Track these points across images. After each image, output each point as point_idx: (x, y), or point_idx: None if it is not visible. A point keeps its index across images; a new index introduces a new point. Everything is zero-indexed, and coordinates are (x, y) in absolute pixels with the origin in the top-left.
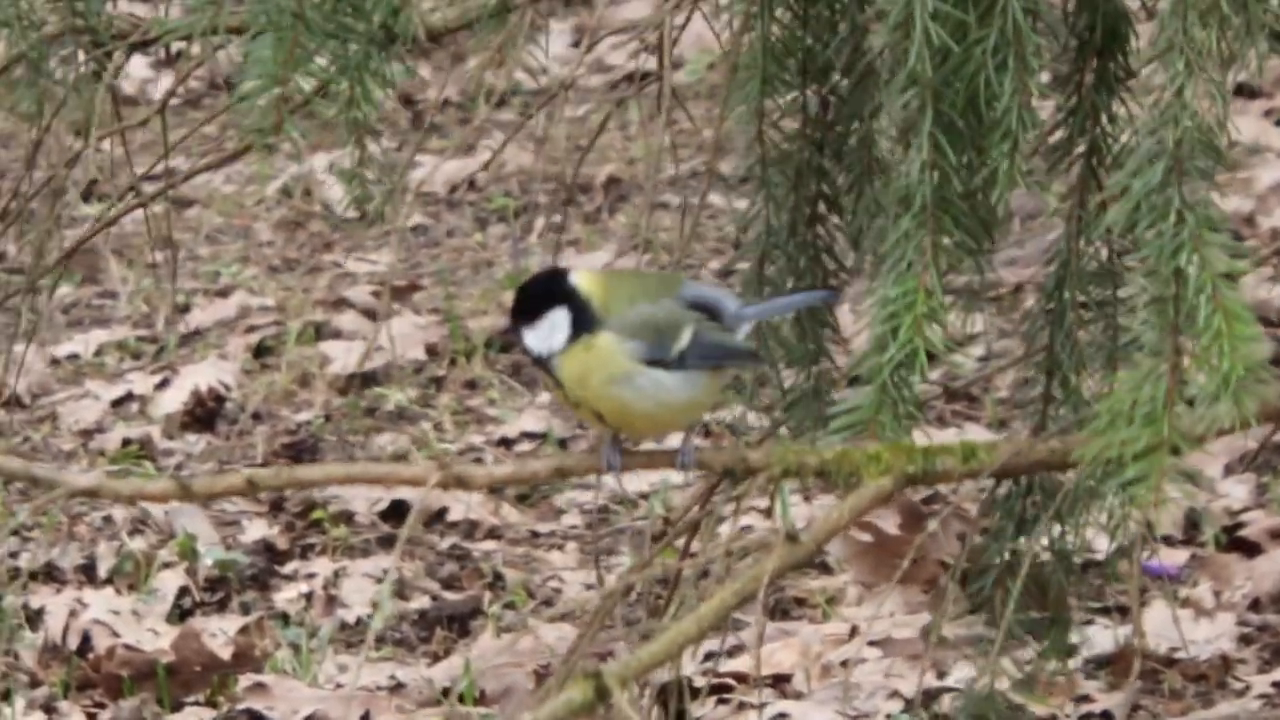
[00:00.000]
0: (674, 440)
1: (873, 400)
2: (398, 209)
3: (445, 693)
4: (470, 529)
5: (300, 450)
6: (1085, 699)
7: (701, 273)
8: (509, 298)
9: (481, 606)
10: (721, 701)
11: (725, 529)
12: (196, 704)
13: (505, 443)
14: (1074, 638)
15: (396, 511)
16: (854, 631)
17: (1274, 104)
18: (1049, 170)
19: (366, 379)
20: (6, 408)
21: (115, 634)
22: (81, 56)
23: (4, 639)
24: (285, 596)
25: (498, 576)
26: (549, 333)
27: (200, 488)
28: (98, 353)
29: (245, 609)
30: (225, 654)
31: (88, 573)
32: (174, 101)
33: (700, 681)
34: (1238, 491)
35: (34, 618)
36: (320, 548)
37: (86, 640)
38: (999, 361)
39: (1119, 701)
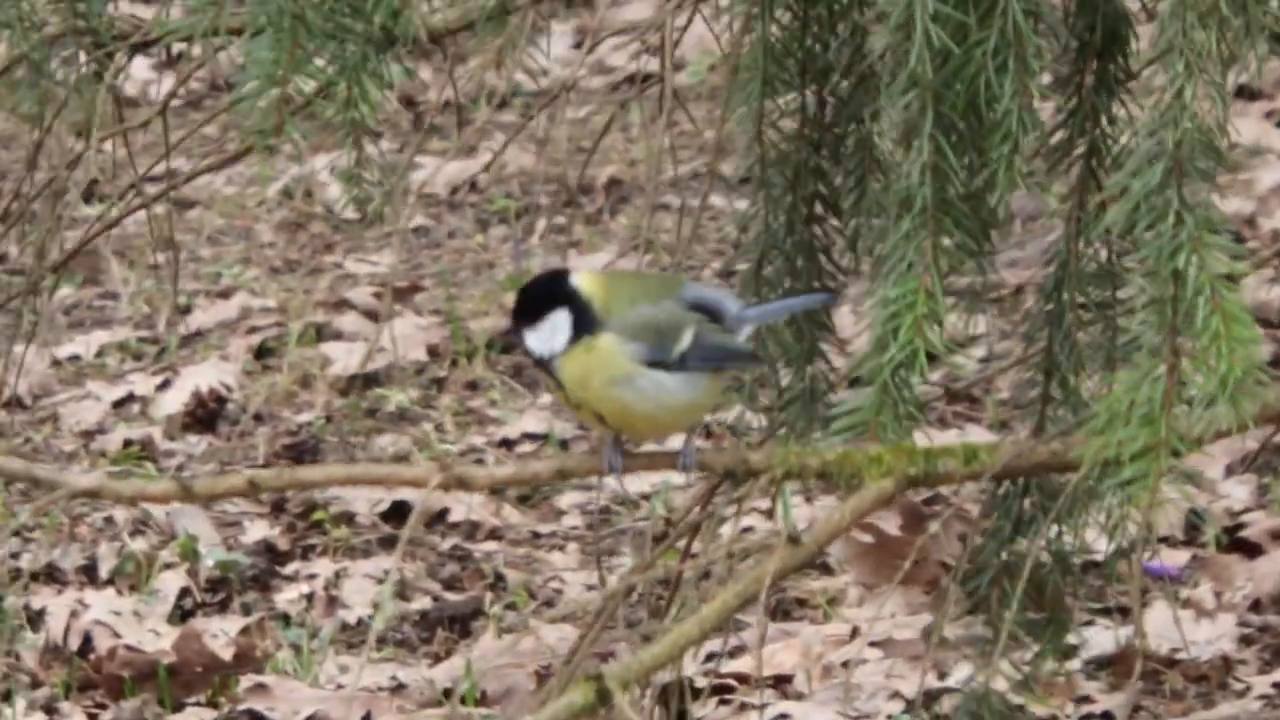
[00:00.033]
0: (675, 442)
1: (874, 401)
2: (399, 210)
3: (446, 693)
4: (471, 530)
5: (301, 451)
6: (1086, 700)
7: (703, 274)
8: (511, 299)
9: (483, 607)
10: (723, 702)
11: (727, 530)
12: (198, 705)
13: (507, 444)
14: (1074, 638)
15: (397, 512)
16: (855, 632)
17: (1275, 105)
18: (1049, 171)
19: (368, 380)
20: (8, 409)
21: (116, 635)
22: (83, 58)
23: (5, 640)
24: (286, 597)
25: (499, 577)
26: (550, 334)
27: (202, 489)
28: (99, 354)
29: (246, 610)
30: (226, 655)
31: (89, 573)
32: (175, 103)
33: (701, 682)
34: (1238, 492)
35: (35, 618)
36: (321, 548)
37: (88, 641)
38: (1000, 363)
39: (1120, 702)
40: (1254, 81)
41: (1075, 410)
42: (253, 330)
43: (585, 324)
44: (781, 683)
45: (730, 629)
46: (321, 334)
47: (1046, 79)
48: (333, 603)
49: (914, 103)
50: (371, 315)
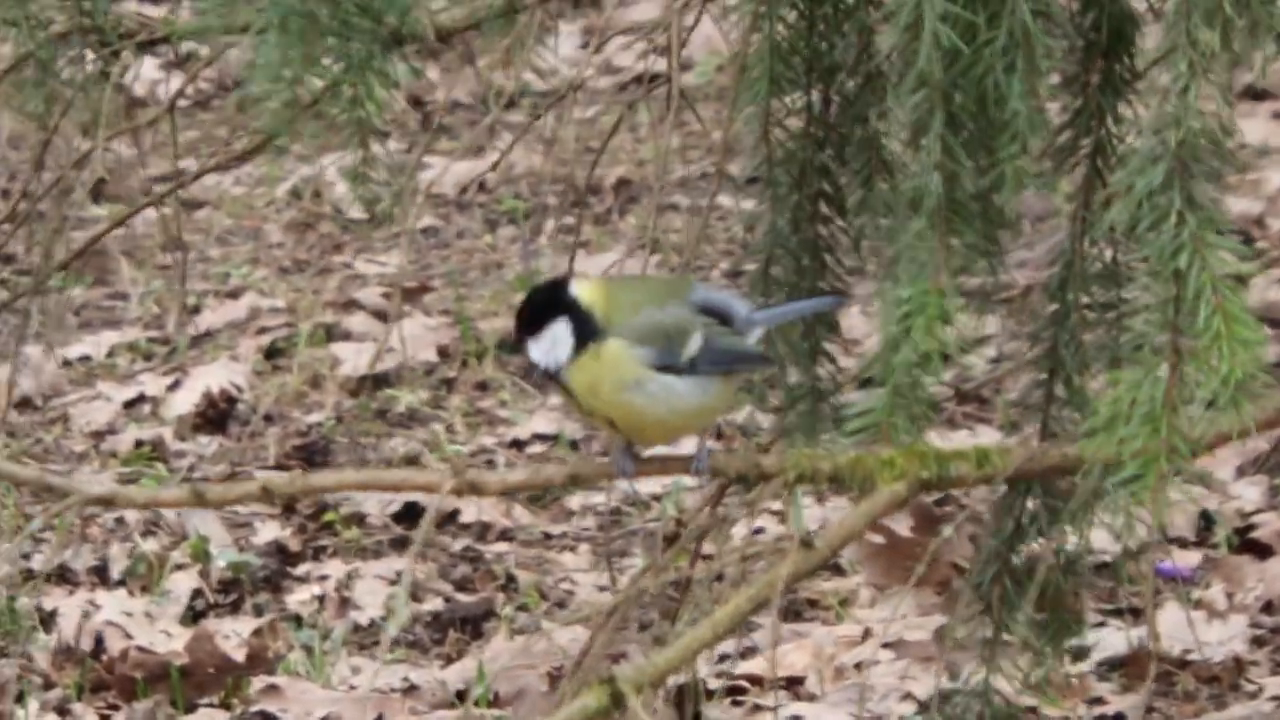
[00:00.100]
0: (688, 444)
1: (886, 403)
2: (407, 211)
3: (459, 695)
4: (483, 531)
5: (312, 452)
6: (1098, 701)
7: (711, 274)
8: (519, 300)
9: (494, 608)
10: (735, 703)
11: (739, 532)
12: (210, 706)
13: (517, 444)
14: (1086, 640)
15: (409, 513)
16: (867, 633)
17: None
18: (1054, 171)
19: (378, 380)
20: (19, 409)
21: (128, 636)
22: (89, 56)
23: (18, 641)
24: (298, 598)
25: (510, 578)
26: (551, 345)
27: (215, 495)
28: (109, 354)
29: (258, 611)
30: (238, 656)
31: (100, 574)
32: (183, 103)
33: (714, 683)
34: (1250, 493)
35: (47, 620)
36: (333, 549)
37: (100, 642)
38: (1009, 364)
39: (1132, 704)
40: (1261, 82)
41: (1080, 410)
42: (262, 330)
43: (587, 333)
44: (794, 684)
45: (742, 630)
46: (331, 334)
47: (1054, 79)
48: (344, 604)
49: (923, 102)
50: (381, 316)
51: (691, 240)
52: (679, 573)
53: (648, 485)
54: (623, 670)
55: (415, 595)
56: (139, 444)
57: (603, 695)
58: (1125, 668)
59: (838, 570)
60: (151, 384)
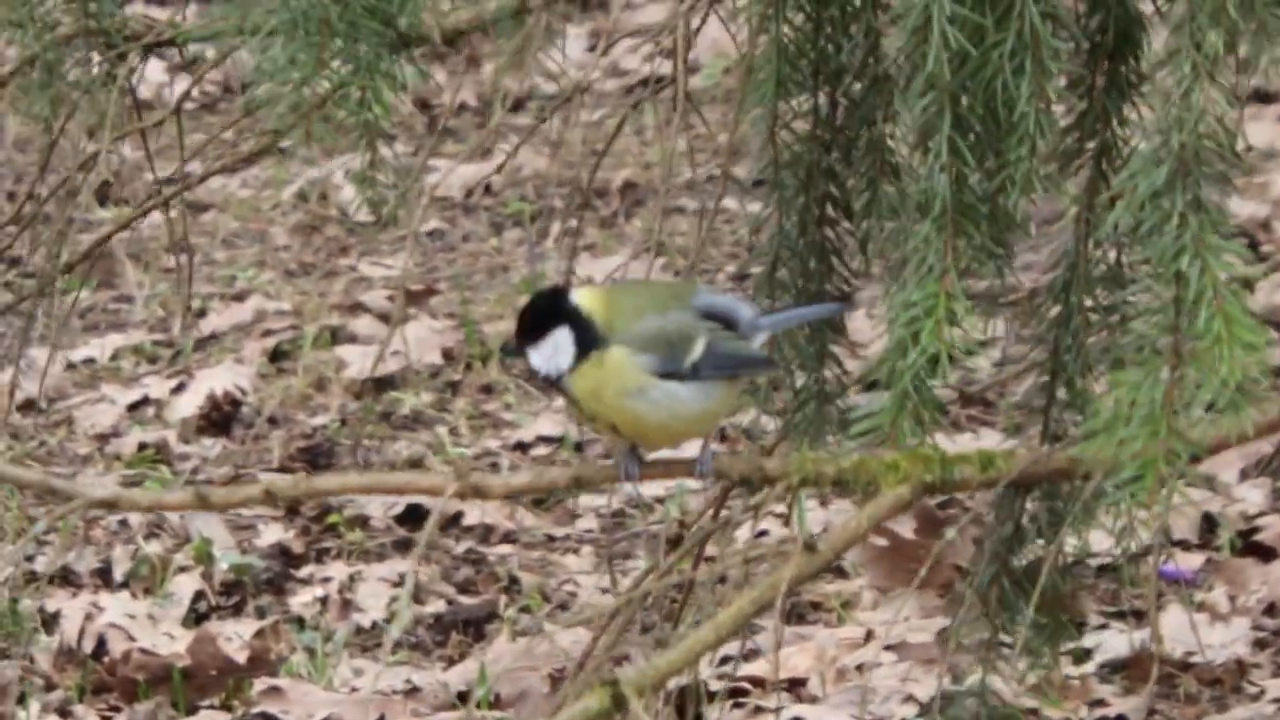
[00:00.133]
0: (691, 447)
1: (893, 405)
2: (413, 213)
3: (461, 697)
4: (486, 533)
5: (316, 454)
6: (1100, 703)
7: (717, 277)
8: (519, 307)
9: (497, 610)
10: (737, 705)
11: (742, 535)
12: (212, 708)
13: (521, 447)
14: (1085, 642)
15: (412, 515)
16: (870, 636)
17: None
18: (1059, 172)
19: (382, 383)
20: (23, 412)
21: (131, 638)
22: (95, 59)
23: (20, 643)
24: (301, 600)
25: (513, 580)
26: (552, 353)
27: (218, 499)
28: (114, 357)
29: (261, 613)
30: (241, 658)
31: (103, 576)
32: (190, 106)
33: (716, 685)
34: (1253, 496)
35: (50, 621)
36: (336, 552)
37: (102, 644)
38: (1013, 367)
39: (1134, 706)
40: (1268, 85)
41: (1082, 413)
42: (267, 333)
43: (588, 341)
44: (796, 686)
45: (745, 632)
46: (336, 337)
47: (1060, 81)
48: (347, 606)
49: (931, 105)
50: (386, 318)
51: (697, 243)
52: (682, 575)
53: (651, 488)
54: (625, 672)
55: (418, 597)
56: (143, 446)
57: (605, 697)
58: (1127, 670)
59: (840, 573)
60: (156, 387)
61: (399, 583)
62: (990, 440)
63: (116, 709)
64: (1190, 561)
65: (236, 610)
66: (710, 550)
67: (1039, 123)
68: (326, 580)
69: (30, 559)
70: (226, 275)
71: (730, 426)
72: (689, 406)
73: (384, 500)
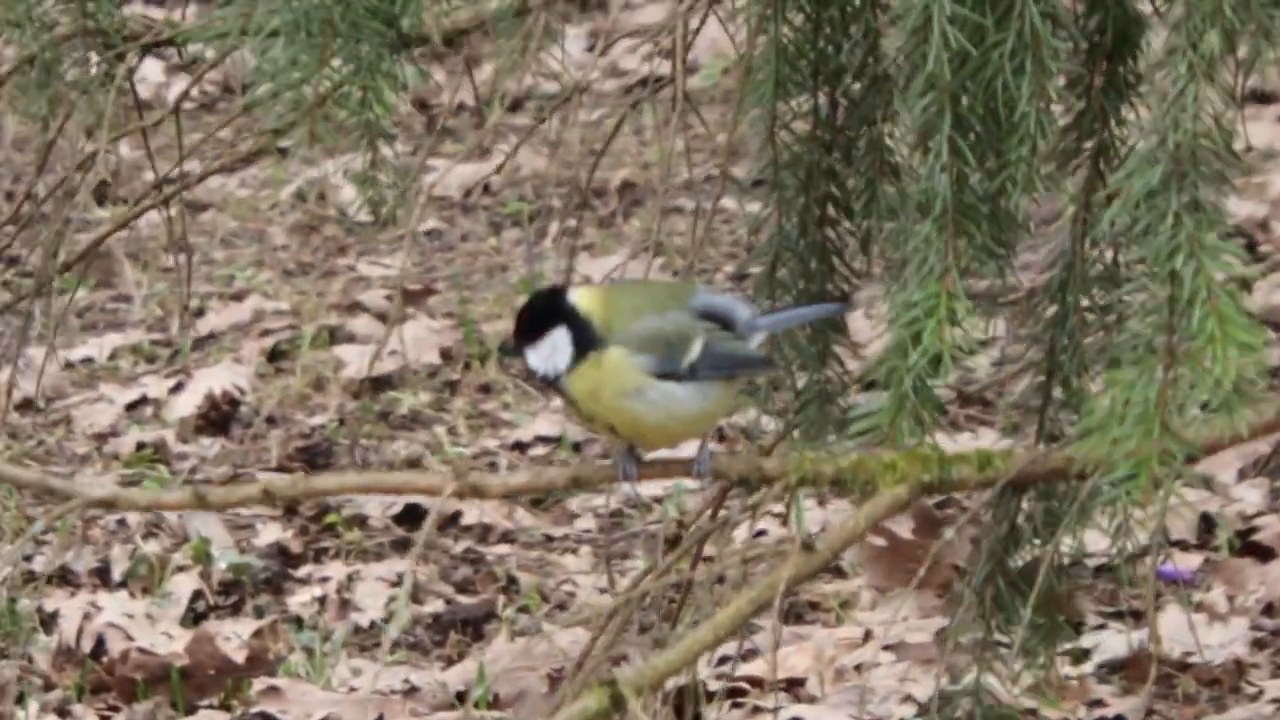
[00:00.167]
0: (690, 447)
1: (891, 405)
2: (411, 213)
3: (459, 696)
4: (484, 533)
5: (314, 454)
6: (1098, 703)
7: (716, 277)
8: (517, 307)
9: (495, 610)
10: (736, 705)
11: (740, 535)
12: (210, 707)
13: (519, 447)
14: (1082, 642)
15: (410, 515)
16: (868, 635)
17: None
18: (1057, 172)
19: (381, 383)
20: (21, 411)
21: (129, 637)
22: (94, 58)
23: (19, 642)
24: (299, 600)
25: (511, 580)
26: (550, 353)
27: (216, 498)
28: (112, 356)
29: (259, 612)
30: (239, 657)
31: (102, 576)
32: (189, 106)
33: (715, 685)
34: (1251, 496)
35: (48, 621)
36: (334, 551)
37: (100, 644)
38: (1010, 366)
39: (1133, 706)
40: (1267, 85)
41: (1078, 412)
42: (266, 333)
43: (585, 341)
44: (794, 686)
45: (743, 632)
46: (334, 337)
47: (1061, 81)
48: (345, 606)
49: (931, 105)
50: (384, 318)
51: (695, 244)
52: (680, 575)
53: (649, 488)
54: (623, 672)
55: (416, 597)
56: (141, 446)
57: (603, 697)
58: (1126, 670)
59: (839, 573)
60: (154, 386)
61: (397, 582)
62: (988, 440)
63: (115, 708)
64: (1188, 562)
65: (235, 610)
66: (708, 550)
67: (1039, 122)
68: (325, 580)
69: (29, 559)
70: (225, 275)
71: (729, 427)
72: (686, 407)
73: (382, 500)
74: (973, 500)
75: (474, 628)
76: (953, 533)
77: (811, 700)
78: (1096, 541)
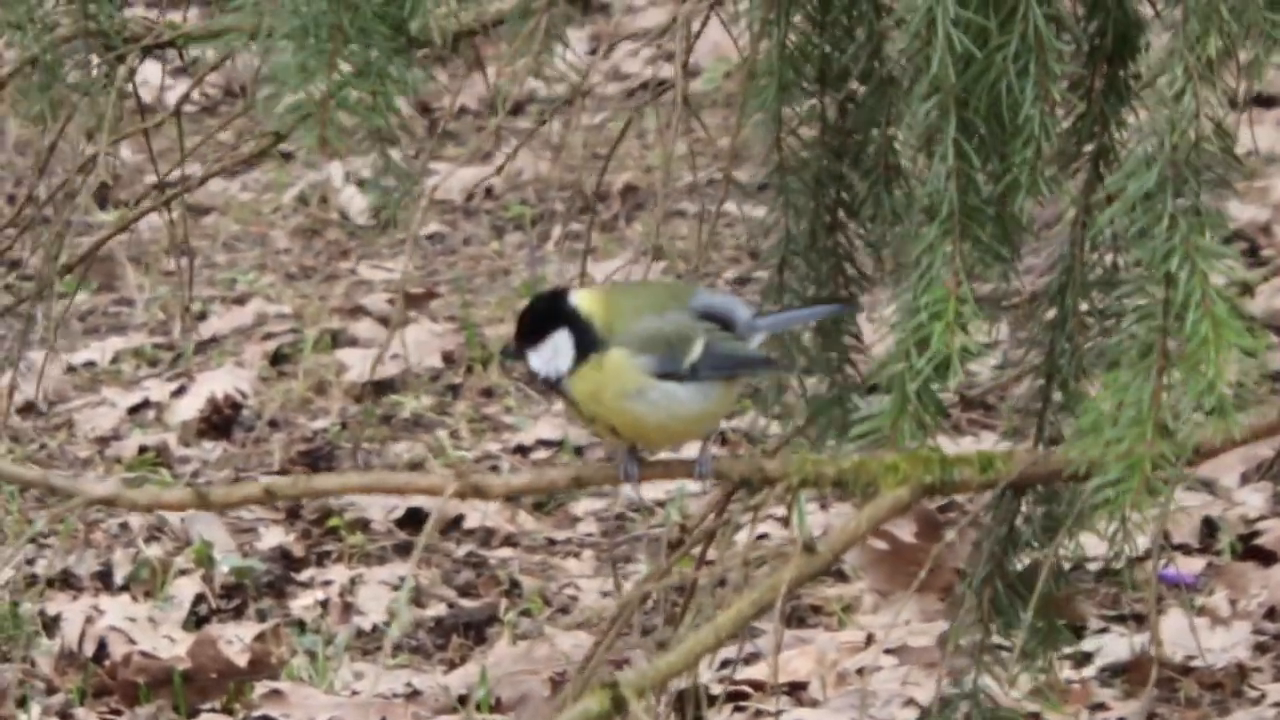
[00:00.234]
0: (691, 449)
1: (893, 408)
2: (413, 217)
3: (461, 700)
4: (487, 536)
5: (316, 458)
6: (1101, 707)
7: (718, 281)
8: (519, 309)
9: (498, 614)
10: (738, 709)
11: (742, 537)
12: (213, 711)
13: (521, 450)
14: (1089, 645)
15: (413, 519)
16: (870, 639)
17: None
18: (1058, 174)
19: (383, 387)
20: (23, 415)
21: (131, 641)
22: (94, 60)
23: (21, 646)
24: (301, 604)
25: (514, 584)
26: (552, 355)
27: (218, 497)
28: (114, 360)
29: (261, 616)
30: (241, 661)
31: (104, 580)
32: (191, 109)
33: (716, 689)
34: (1254, 500)
35: (50, 625)
36: (336, 555)
37: (103, 647)
38: (1011, 370)
39: (1135, 710)
40: (1270, 88)
41: (1076, 415)
42: (268, 336)
43: (587, 343)
44: (796, 689)
45: (745, 636)
46: (337, 340)
47: (1064, 84)
48: (348, 609)
49: (936, 108)
50: (387, 322)
51: (699, 247)
52: (683, 578)
53: (652, 491)
54: (625, 675)
55: (419, 600)
56: (143, 450)
57: (605, 699)
58: (1128, 673)
59: (841, 576)
60: (156, 390)
61: (400, 586)
62: (990, 444)
63: (117, 712)
64: (1191, 565)
65: (237, 613)
66: (711, 554)
67: (1043, 125)
68: (327, 583)
69: (31, 562)
70: (227, 278)
71: (731, 430)
72: (688, 407)
73: (385, 503)
74: (974, 504)
75: (476, 631)
76: (954, 534)
77: (814, 704)
78: (1097, 545)
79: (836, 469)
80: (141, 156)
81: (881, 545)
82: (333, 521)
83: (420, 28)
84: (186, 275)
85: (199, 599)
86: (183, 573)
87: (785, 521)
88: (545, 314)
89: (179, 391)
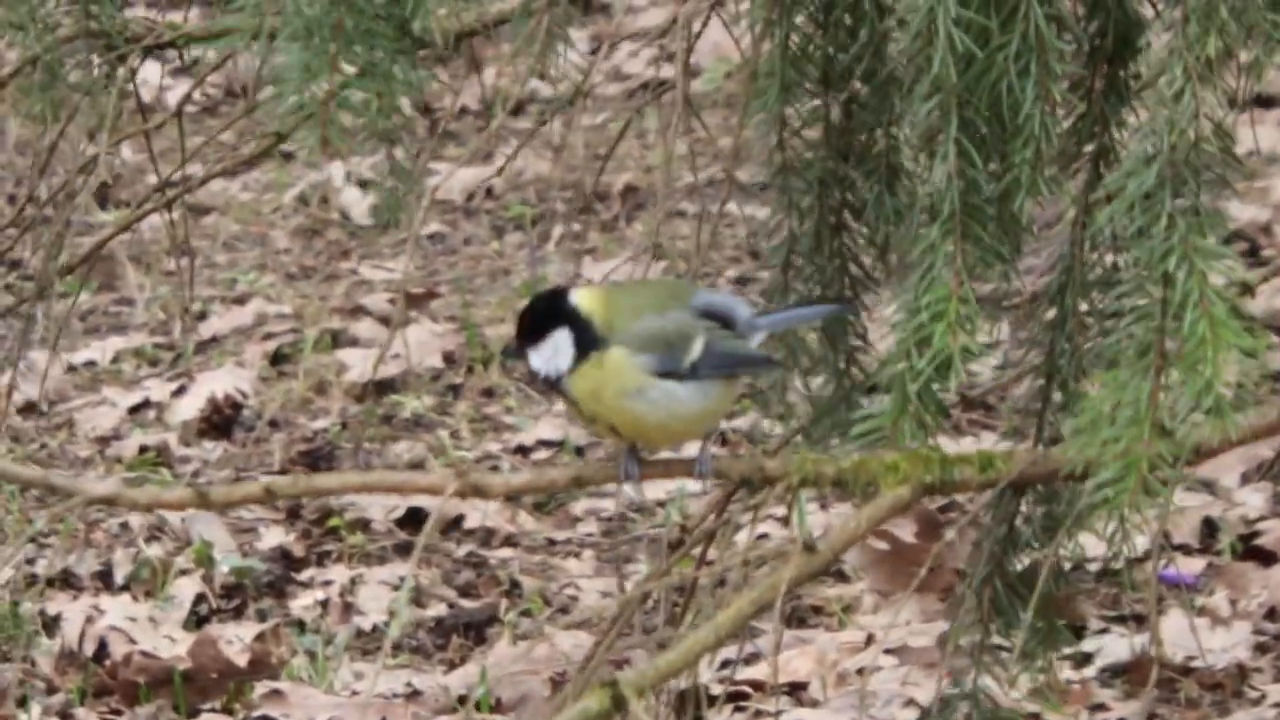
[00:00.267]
0: (692, 449)
1: (893, 408)
2: (414, 217)
3: (461, 700)
4: (487, 536)
5: (317, 458)
6: (1101, 707)
7: (718, 281)
8: (520, 309)
9: (498, 614)
10: (738, 709)
11: (742, 537)
12: (213, 711)
13: (522, 450)
14: (1089, 646)
15: (413, 519)
16: (870, 639)
17: None
18: (1059, 174)
19: (383, 386)
20: (23, 414)
21: (132, 641)
22: (96, 61)
23: (21, 645)
24: (301, 604)
25: (514, 584)
26: (552, 354)
27: (218, 497)
28: (115, 360)
29: (262, 616)
30: (241, 661)
31: (104, 579)
32: (192, 109)
33: (717, 689)
34: (1254, 500)
35: (51, 624)
36: (337, 555)
37: (103, 647)
38: (1011, 370)
39: (1135, 710)
40: (1270, 89)
41: (1076, 415)
42: (268, 336)
43: (587, 342)
44: (797, 690)
45: (745, 636)
46: (337, 340)
47: (1065, 84)
48: (348, 609)
49: (937, 107)
50: (387, 322)
51: (700, 247)
52: (683, 578)
53: (652, 491)
54: (625, 674)
55: (419, 600)
56: (144, 449)
57: (604, 698)
58: (1128, 674)
59: (841, 577)
60: (157, 389)
61: (400, 586)
62: (990, 444)
63: (118, 712)
64: (1191, 566)
65: (237, 613)
66: (711, 554)
67: (1044, 125)
68: (327, 583)
69: (31, 561)
70: (227, 278)
71: (732, 430)
72: (688, 406)
73: (385, 503)
74: (974, 503)
75: (476, 631)
76: (953, 534)
77: (814, 704)
78: (1097, 545)
79: (836, 469)
80: (142, 156)
81: (882, 545)
82: (333, 521)
83: (422, 28)
84: (187, 275)
85: (199, 599)
86: (183, 572)
87: (785, 521)
88: (545, 313)
89: (179, 391)
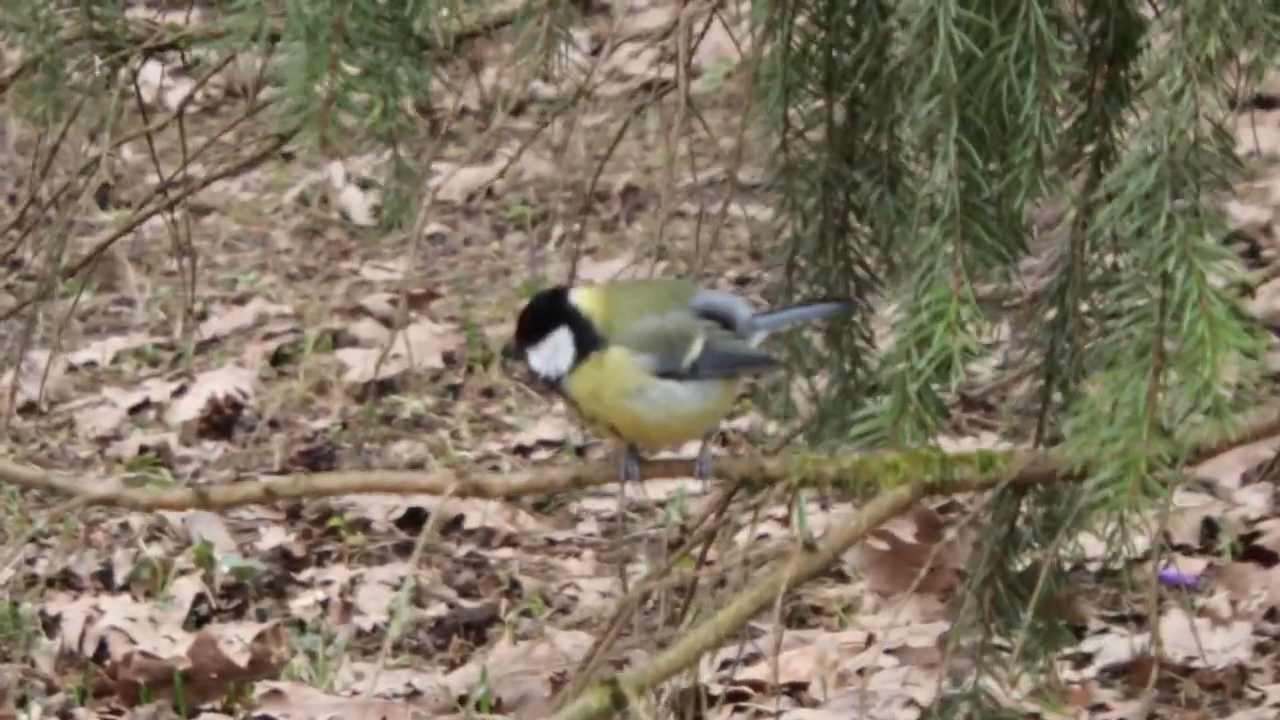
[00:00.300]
0: (692, 449)
1: (894, 408)
2: (415, 217)
3: (462, 700)
4: (487, 537)
5: (317, 458)
6: (1101, 708)
7: (719, 281)
8: (520, 308)
9: (498, 614)
10: (738, 709)
11: (742, 537)
12: (213, 711)
13: (522, 450)
14: (1089, 646)
15: (413, 519)
16: (870, 640)
17: None
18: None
19: (384, 387)
20: (24, 415)
21: (132, 641)
22: (97, 61)
23: (21, 645)
24: (302, 604)
25: (514, 584)
26: (552, 354)
27: (218, 497)
28: (115, 360)
29: (262, 616)
30: (242, 661)
31: (104, 579)
32: (192, 109)
33: (717, 689)
34: (1255, 500)
35: (51, 624)
36: (337, 555)
37: (103, 647)
38: (1011, 370)
39: (1135, 710)
40: (1271, 90)
41: (1075, 415)
42: (269, 337)
43: (587, 341)
44: (797, 690)
45: (746, 636)
46: (338, 340)
47: (1065, 84)
48: (348, 609)
49: (938, 108)
50: (388, 322)
51: (701, 248)
52: (683, 578)
53: (652, 491)
54: (625, 673)
55: (419, 601)
56: (144, 450)
57: (604, 696)
58: (1128, 674)
59: (841, 577)
60: (157, 390)
61: (400, 586)
62: (990, 444)
63: (118, 712)
64: (1191, 566)
65: (237, 613)
66: (711, 554)
67: (1044, 125)
68: (327, 584)
69: (31, 562)
70: (228, 278)
71: (732, 431)
72: (688, 406)
73: (385, 503)
74: (974, 504)
75: (476, 631)
76: (954, 534)
77: (814, 704)
78: (1097, 546)
79: (836, 468)
80: (143, 157)
81: (882, 545)
82: (333, 521)
83: (424, 29)
84: (188, 275)
85: (199, 599)
86: (183, 573)
87: (785, 521)
88: (545, 313)
89: (180, 391)
